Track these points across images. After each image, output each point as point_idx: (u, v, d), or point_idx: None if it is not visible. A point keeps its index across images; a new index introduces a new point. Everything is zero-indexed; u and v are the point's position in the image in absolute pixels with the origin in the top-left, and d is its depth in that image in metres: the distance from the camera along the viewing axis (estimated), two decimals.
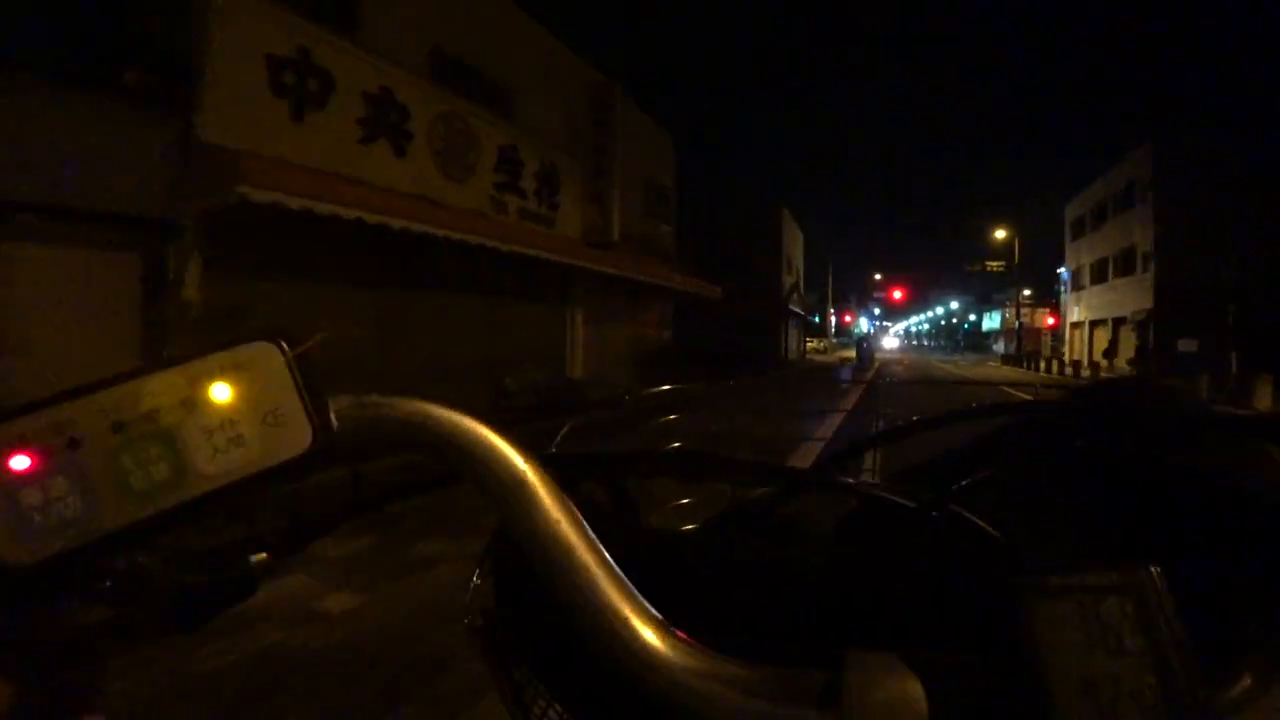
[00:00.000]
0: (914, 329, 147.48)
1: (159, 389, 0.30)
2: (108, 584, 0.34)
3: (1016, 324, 43.45)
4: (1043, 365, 36.80)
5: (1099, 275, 39.23)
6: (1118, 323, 36.24)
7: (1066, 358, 43.49)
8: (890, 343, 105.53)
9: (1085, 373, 29.94)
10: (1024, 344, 71.26)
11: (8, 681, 0.30)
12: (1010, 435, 0.64)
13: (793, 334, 45.53)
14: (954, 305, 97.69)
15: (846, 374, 12.35)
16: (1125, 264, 35.08)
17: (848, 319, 62.43)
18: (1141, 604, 0.33)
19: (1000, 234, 44.34)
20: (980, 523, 0.44)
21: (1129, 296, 34.15)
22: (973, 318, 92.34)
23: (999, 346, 76.96)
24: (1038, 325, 69.69)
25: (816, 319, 67.14)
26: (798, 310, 43.84)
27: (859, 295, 58.67)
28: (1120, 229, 35.74)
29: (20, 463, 0.28)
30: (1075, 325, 44.73)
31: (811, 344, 63.30)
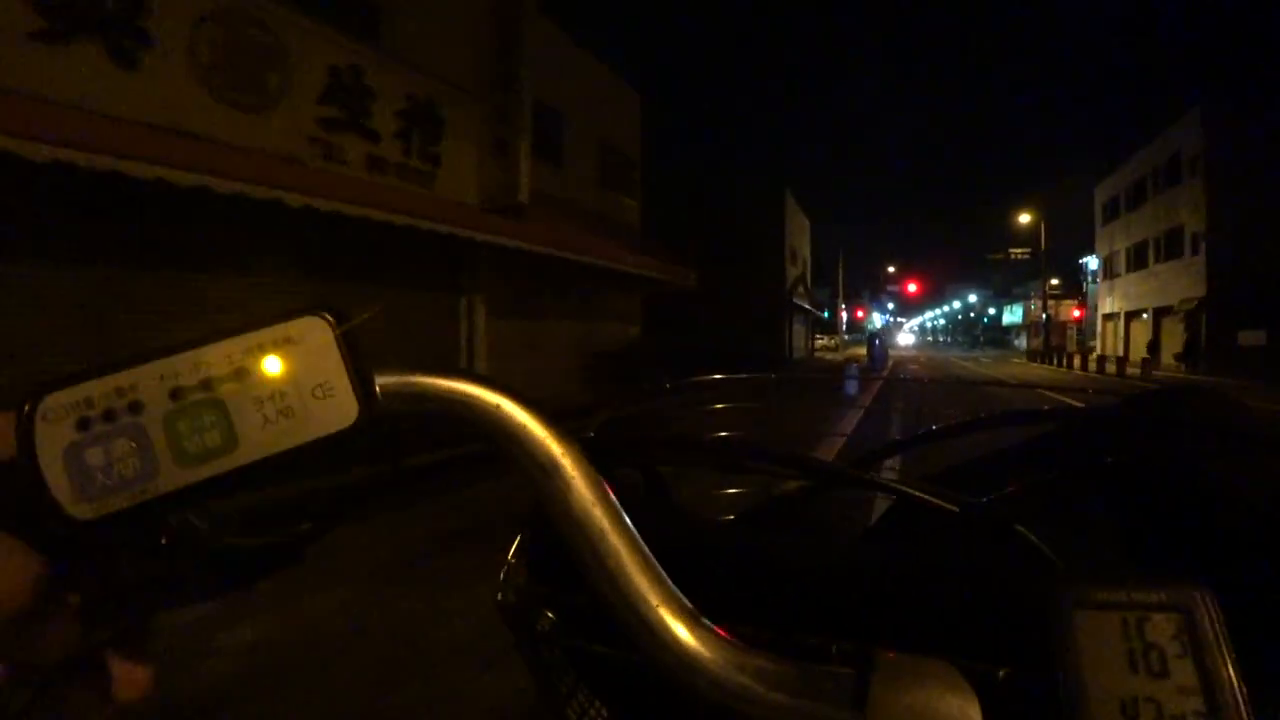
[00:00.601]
0: (929, 324, 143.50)
1: (214, 359, 0.31)
2: (162, 542, 0.35)
3: (1044, 317, 39.50)
4: (1075, 361, 32.85)
5: (1137, 261, 35.28)
6: (1160, 313, 32.29)
7: (1097, 352, 39.70)
8: (905, 339, 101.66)
9: (1132, 370, 25.99)
10: (1052, 338, 68.06)
11: (71, 624, 0.31)
12: (1052, 442, 0.64)
13: (799, 330, 41.85)
14: (972, 299, 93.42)
15: (853, 386, 8.46)
16: (1170, 247, 31.14)
17: (860, 314, 58.61)
18: (1191, 625, 0.31)
19: (1025, 218, 40.42)
20: (1023, 530, 0.44)
21: (1174, 283, 30.20)
22: (992, 311, 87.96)
23: (1020, 341, 72.75)
24: (1062, 318, 65.62)
25: (826, 314, 63.36)
26: (804, 305, 40.14)
27: (872, 289, 54.70)
28: (1163, 208, 31.80)
29: (85, 424, 0.30)
30: (1108, 317, 40.79)
31: (822, 341, 59.66)
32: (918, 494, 0.50)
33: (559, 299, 13.95)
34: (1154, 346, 27.53)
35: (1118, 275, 38.59)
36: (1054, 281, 44.50)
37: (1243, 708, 0.29)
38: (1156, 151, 32.63)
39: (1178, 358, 27.17)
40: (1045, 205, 40.60)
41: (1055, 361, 36.01)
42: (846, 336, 76.19)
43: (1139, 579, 0.32)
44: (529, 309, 12.72)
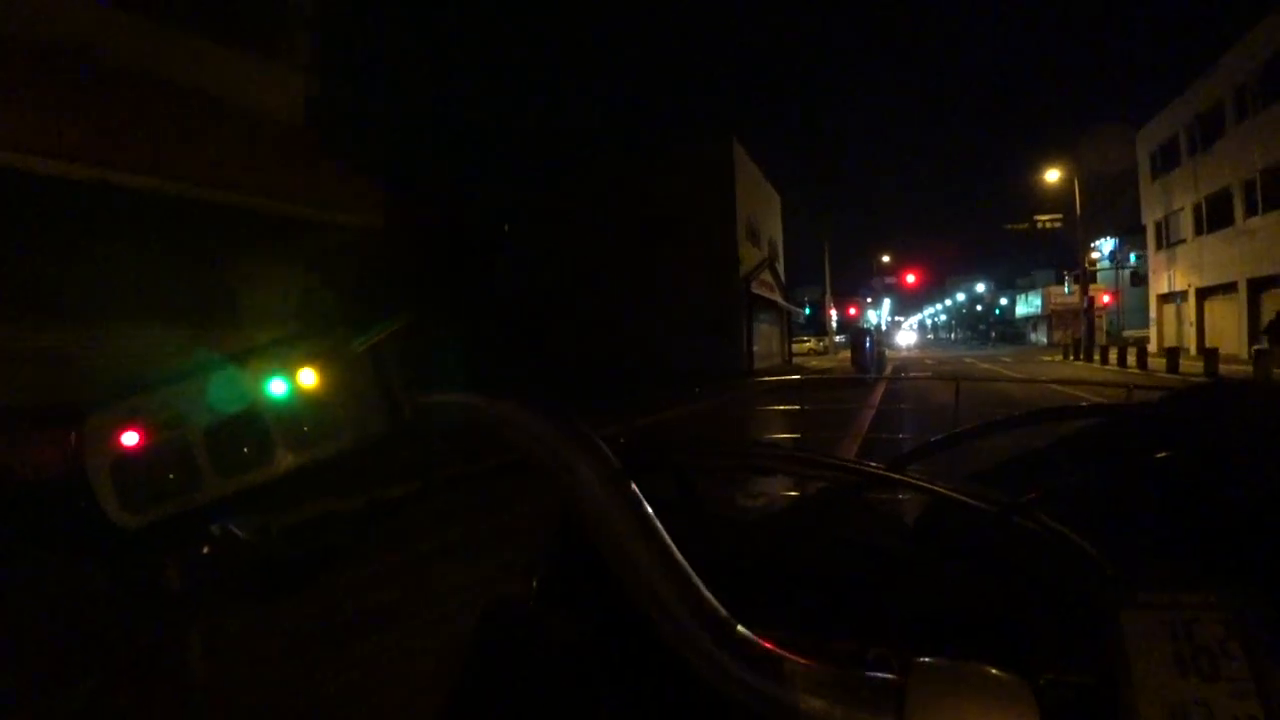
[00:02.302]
0: (929, 320, 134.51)
1: (252, 374, 0.33)
2: (205, 550, 0.36)
3: (1086, 301, 30.41)
4: (1121, 358, 23.62)
5: (1214, 218, 26.14)
6: (1260, 286, 23.16)
7: (1154, 344, 30.59)
8: (906, 338, 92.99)
9: (1238, 368, 16.65)
10: (1069, 330, 58.69)
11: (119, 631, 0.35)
12: (1092, 439, 0.63)
13: (768, 332, 32.55)
14: (979, 289, 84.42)
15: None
16: (1274, 190, 22.02)
17: (854, 312, 49.68)
18: (1241, 627, 0.30)
19: (1054, 175, 31.40)
20: (1065, 530, 0.44)
21: None
22: (1004, 302, 78.73)
23: (1038, 335, 63.51)
24: (1081, 305, 56.42)
25: (808, 311, 54.37)
26: (774, 299, 30.84)
27: (867, 281, 45.71)
28: (1257, 138, 22.71)
29: (131, 438, 0.31)
30: (1166, 298, 31.65)
31: (808, 344, 50.63)
32: (954, 494, 0.51)
33: None
34: (1275, 330, 18.35)
35: (1179, 242, 29.46)
36: (1096, 254, 35.24)
37: None
38: (1246, 56, 23.47)
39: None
40: (1077, 160, 31.56)
41: (1096, 358, 26.84)
42: (839, 338, 67.22)
43: (1187, 581, 0.31)
44: None
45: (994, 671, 0.30)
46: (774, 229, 35.66)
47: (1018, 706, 0.29)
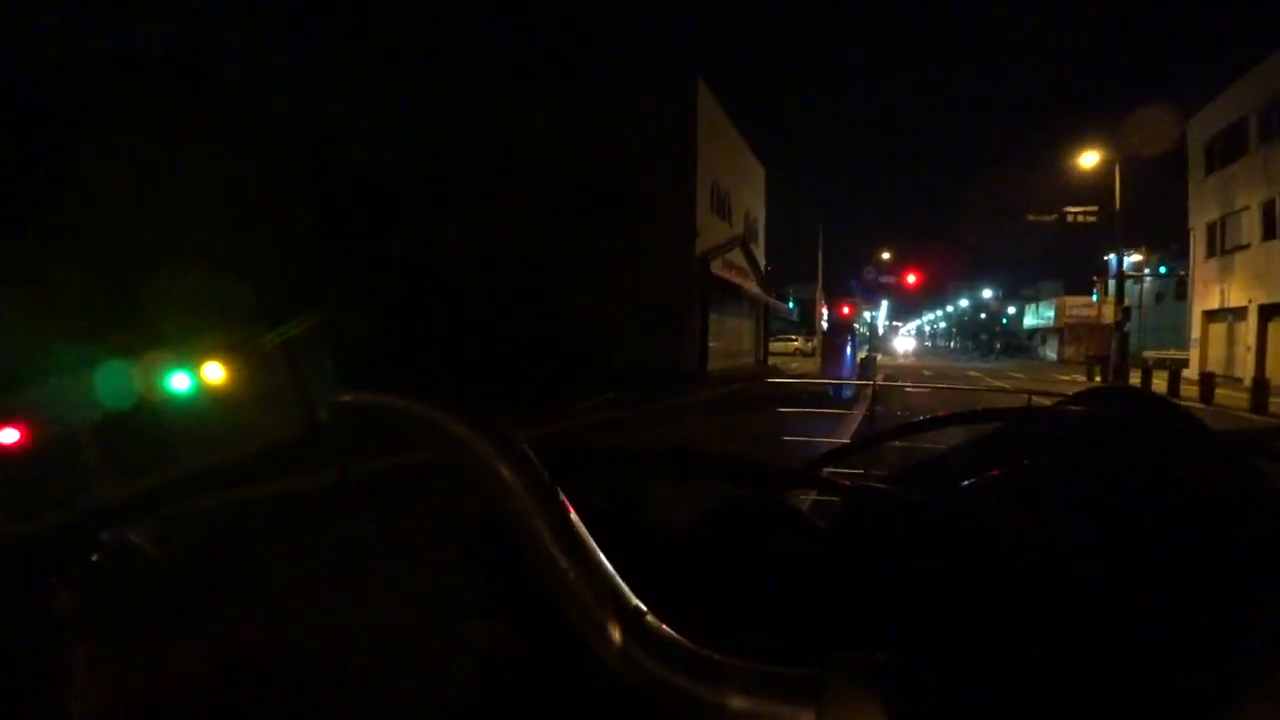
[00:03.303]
0: (927, 327, 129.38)
1: (153, 368, 0.30)
2: (94, 559, 0.34)
3: (1119, 314, 25.16)
4: (1176, 384, 18.51)
5: None
6: None
7: (1194, 365, 25.56)
8: (904, 344, 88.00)
9: None
10: (1083, 345, 53.68)
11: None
12: (1014, 439, 0.66)
13: (736, 325, 27.26)
14: (986, 294, 78.60)
15: None
16: None
17: (847, 310, 44.27)
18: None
19: (1090, 159, 26.06)
20: (972, 525, 0.46)
21: None
22: (1011, 310, 73.07)
23: (1046, 349, 58.20)
24: (1104, 319, 51.03)
25: (791, 305, 49.03)
26: (744, 285, 25.48)
27: (859, 273, 40.09)
28: None
29: (10, 436, 0.28)
30: (1214, 315, 26.50)
31: (794, 342, 45.45)
32: (874, 491, 0.53)
33: None
34: None
35: (1239, 248, 24.28)
36: (1136, 257, 29.65)
37: None
38: None
39: None
40: (1116, 141, 26.20)
41: (1135, 382, 21.67)
42: None
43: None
44: None
45: (908, 664, 0.30)
46: (754, 205, 30.26)
47: (929, 696, 0.29)
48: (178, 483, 0.30)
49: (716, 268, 22.17)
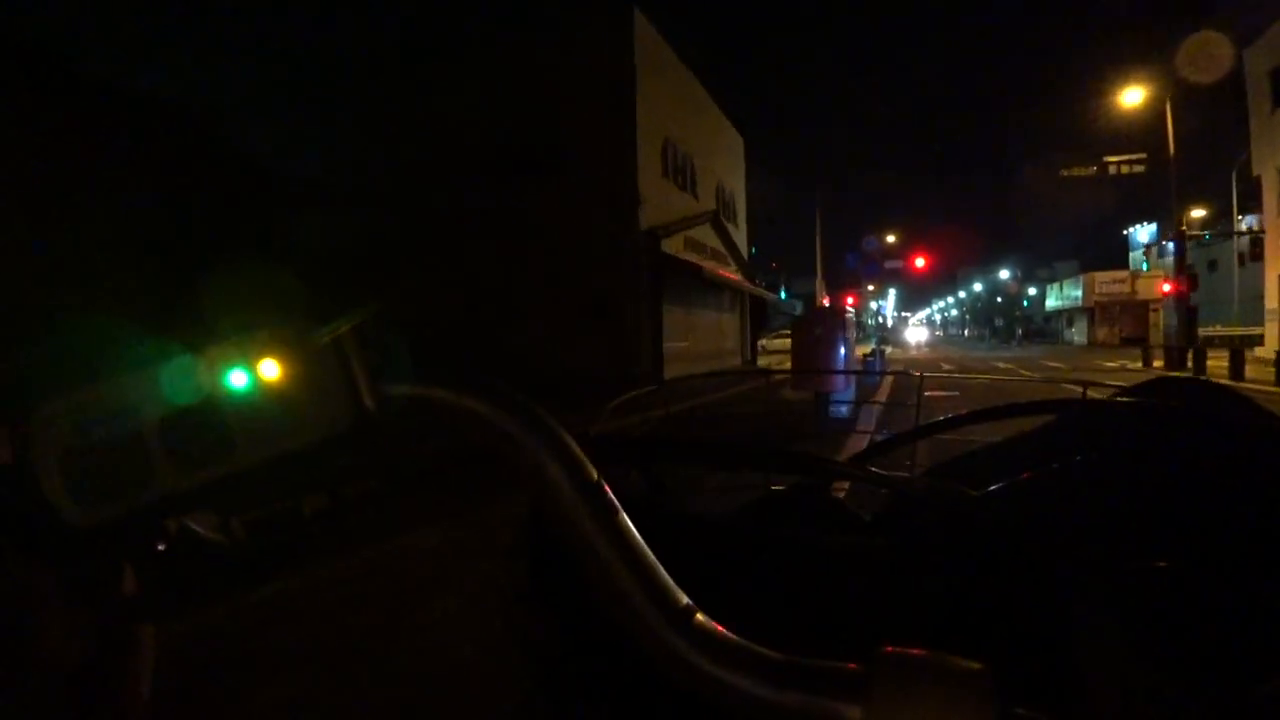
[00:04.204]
0: (938, 316, 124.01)
1: (209, 363, 0.32)
2: (160, 547, 0.36)
3: (1184, 280, 20.42)
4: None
5: None
6: None
7: (1271, 342, 20.98)
8: (915, 333, 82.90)
9: None
10: (1116, 326, 48.39)
11: (72, 630, 0.32)
12: (1053, 435, 0.65)
13: (710, 320, 22.57)
14: (1003, 275, 72.94)
15: None
16: None
17: (852, 302, 40.01)
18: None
19: (1134, 96, 21.27)
20: (1020, 521, 0.45)
21: None
22: (1032, 291, 67.55)
23: (1073, 332, 53.03)
24: (1140, 296, 45.79)
25: (784, 297, 44.15)
26: (713, 270, 20.76)
27: (861, 250, 35.18)
28: None
29: (81, 431, 0.30)
30: None
31: (787, 339, 40.58)
32: (912, 486, 0.52)
33: None
34: None
35: None
36: (1201, 211, 24.53)
37: None
38: None
39: None
40: (1168, 80, 21.50)
41: (1194, 363, 16.95)
42: None
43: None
44: None
45: (957, 659, 0.30)
46: (730, 179, 25.54)
47: (980, 693, 0.29)
48: (234, 475, 0.31)
49: (673, 246, 17.50)
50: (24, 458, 0.30)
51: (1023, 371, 19.23)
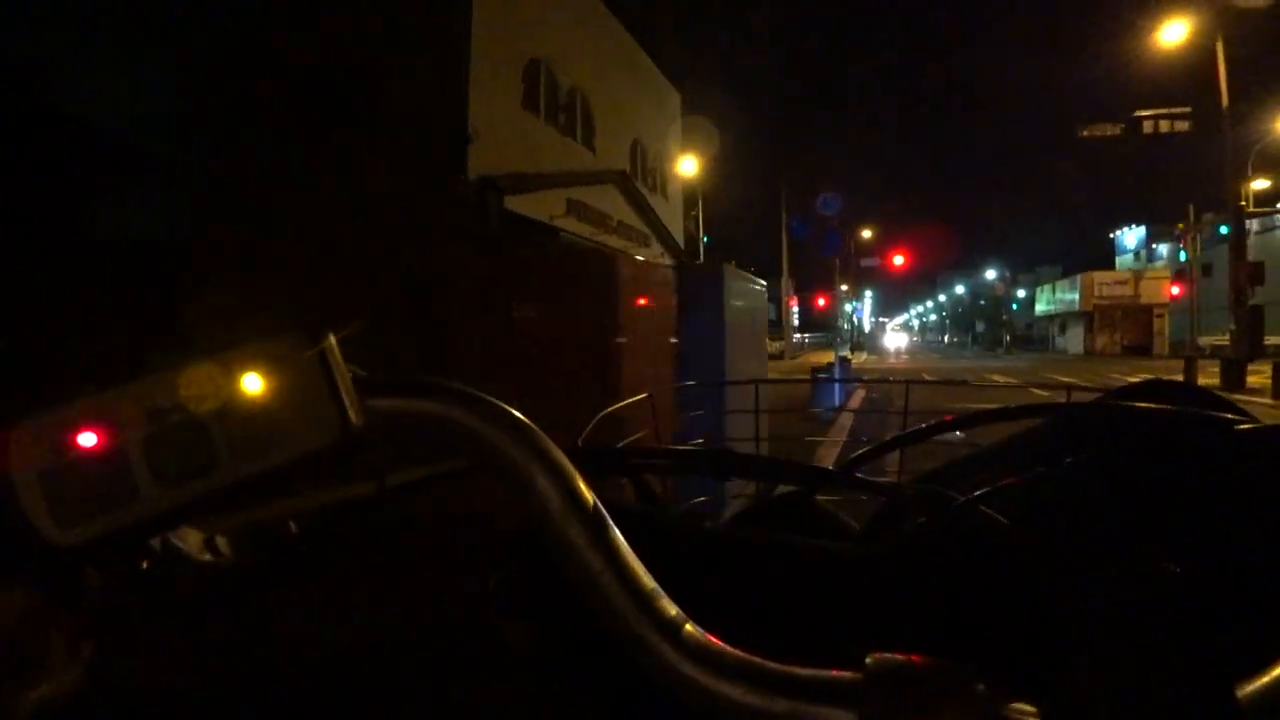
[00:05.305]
0: (915, 321, 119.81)
1: (193, 379, 0.31)
2: (144, 565, 0.35)
3: (1243, 266, 15.22)
4: None
5: None
6: None
7: None
8: (895, 339, 78.33)
9: None
10: (1117, 332, 43.78)
11: (56, 650, 0.32)
12: (1041, 439, 0.65)
13: (644, 326, 16.67)
14: (990, 275, 67.75)
15: None
16: None
17: (823, 302, 34.93)
18: None
19: (1174, 34, 16.12)
20: (1012, 527, 0.46)
21: None
22: (1021, 294, 62.45)
23: (1067, 339, 48.10)
24: (1142, 299, 41.08)
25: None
26: (638, 259, 14.98)
27: (817, 211, 29.26)
28: None
29: (61, 449, 0.30)
30: None
31: None
32: (901, 492, 0.53)
33: None
34: None
35: None
36: (1264, 183, 19.38)
37: None
38: None
39: None
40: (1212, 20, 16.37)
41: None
42: (805, 337, 51.93)
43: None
44: None
45: (949, 665, 0.30)
46: (652, 139, 19.86)
47: (973, 699, 0.29)
48: (219, 492, 0.30)
49: (538, 209, 11.95)
50: (2, 478, 0.29)
51: (1036, 393, 14.08)
